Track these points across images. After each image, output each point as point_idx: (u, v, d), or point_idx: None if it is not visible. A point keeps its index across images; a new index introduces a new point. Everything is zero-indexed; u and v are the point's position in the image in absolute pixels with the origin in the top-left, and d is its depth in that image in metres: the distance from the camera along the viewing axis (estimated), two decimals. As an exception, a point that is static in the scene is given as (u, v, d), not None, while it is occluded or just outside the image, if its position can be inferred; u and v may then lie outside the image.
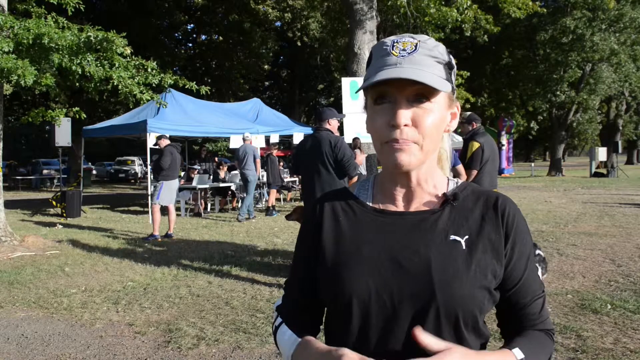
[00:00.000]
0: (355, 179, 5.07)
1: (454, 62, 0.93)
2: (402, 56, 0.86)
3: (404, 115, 0.85)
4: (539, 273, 5.01)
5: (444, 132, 0.94)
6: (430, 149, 0.89)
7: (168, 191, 8.29)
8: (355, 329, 0.89)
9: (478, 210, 0.93)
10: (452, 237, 0.90)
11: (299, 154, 5.18)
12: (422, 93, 0.86)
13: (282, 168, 15.23)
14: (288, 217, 5.46)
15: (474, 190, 0.97)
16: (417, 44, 0.88)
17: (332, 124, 5.01)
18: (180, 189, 11.00)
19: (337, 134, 5.06)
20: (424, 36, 0.91)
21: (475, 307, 0.87)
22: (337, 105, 10.53)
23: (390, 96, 0.87)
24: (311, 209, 1.04)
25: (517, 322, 0.95)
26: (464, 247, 0.89)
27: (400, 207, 0.95)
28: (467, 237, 0.90)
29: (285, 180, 14.16)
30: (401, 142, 0.86)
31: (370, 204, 0.98)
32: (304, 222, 1.05)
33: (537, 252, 4.80)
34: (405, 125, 0.85)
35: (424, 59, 0.87)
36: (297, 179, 14.09)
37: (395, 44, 0.88)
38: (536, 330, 0.94)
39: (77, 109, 8.47)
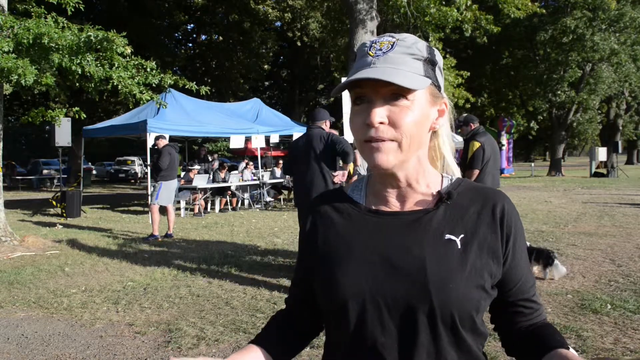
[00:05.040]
0: (350, 166, 5.12)
1: (437, 58, 0.91)
2: (377, 56, 0.86)
3: (378, 113, 0.84)
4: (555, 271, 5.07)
5: (430, 130, 0.92)
6: (411, 147, 0.87)
7: (167, 191, 8.29)
8: (351, 331, 0.89)
9: (474, 208, 0.91)
10: (447, 236, 0.89)
11: (291, 154, 5.21)
12: (397, 91, 0.85)
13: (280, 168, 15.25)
14: None
15: (468, 187, 0.95)
16: (394, 42, 0.87)
17: (327, 125, 5.13)
18: (180, 189, 11.00)
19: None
20: (405, 34, 0.90)
21: (471, 306, 0.86)
22: (337, 105, 10.52)
23: (367, 96, 0.87)
24: (305, 211, 1.04)
25: (517, 316, 0.95)
26: (459, 247, 0.88)
27: (394, 207, 0.94)
28: (462, 235, 0.89)
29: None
30: (377, 140, 0.85)
31: (364, 204, 0.97)
32: (301, 225, 1.06)
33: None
34: (381, 123, 0.85)
35: (400, 57, 0.86)
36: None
37: (373, 45, 0.88)
38: (546, 322, 0.95)
39: (77, 109, 8.45)
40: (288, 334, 1.02)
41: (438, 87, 0.90)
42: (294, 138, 13.69)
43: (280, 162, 16.48)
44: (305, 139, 5.03)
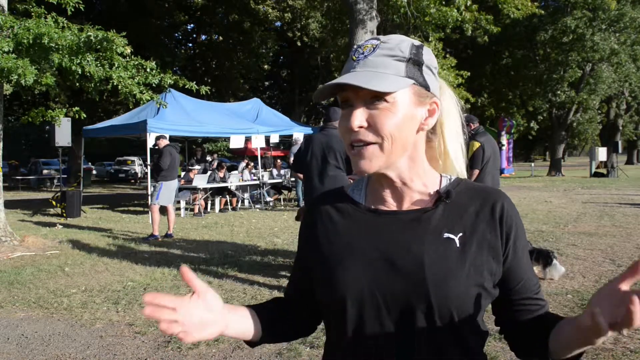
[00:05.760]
0: None
1: (425, 57, 0.90)
2: (359, 60, 0.87)
3: (357, 118, 0.85)
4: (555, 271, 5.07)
5: (419, 130, 0.91)
6: (394, 149, 0.87)
7: (167, 191, 8.30)
8: (350, 329, 0.89)
9: (473, 207, 0.91)
10: (446, 234, 0.89)
11: (304, 152, 5.09)
12: (377, 94, 0.85)
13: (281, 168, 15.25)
14: (298, 218, 5.47)
15: (468, 186, 0.95)
16: (376, 45, 0.88)
17: None
18: (180, 189, 11.00)
19: None
20: (392, 36, 0.90)
21: (470, 305, 0.86)
22: (337, 106, 10.55)
23: (350, 100, 0.87)
24: (306, 210, 1.04)
25: (521, 315, 0.94)
26: (457, 245, 0.88)
27: (392, 206, 0.94)
28: (461, 234, 0.89)
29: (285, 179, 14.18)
30: (359, 143, 0.86)
31: (364, 204, 0.97)
32: (301, 223, 1.06)
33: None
34: (361, 127, 0.85)
35: (380, 59, 0.86)
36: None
37: (358, 49, 0.89)
38: (548, 312, 0.95)
39: (77, 109, 8.46)
40: (283, 319, 1.03)
41: (425, 87, 0.89)
42: (294, 138, 13.74)
43: (279, 161, 16.47)
44: (322, 138, 4.91)
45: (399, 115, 0.86)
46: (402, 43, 0.89)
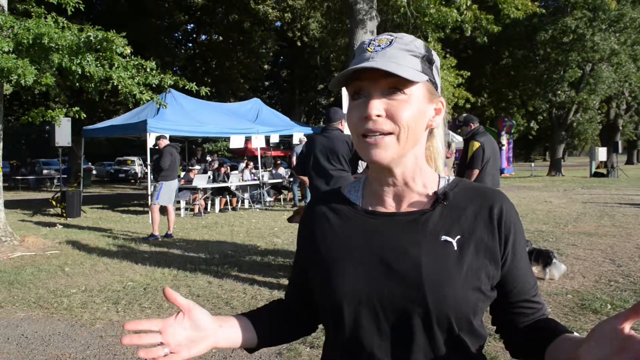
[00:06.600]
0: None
1: (434, 57, 0.92)
2: (376, 51, 0.87)
3: (376, 106, 0.85)
4: (556, 270, 5.06)
5: (427, 127, 0.92)
6: (409, 141, 0.87)
7: (167, 191, 8.30)
8: (347, 332, 0.89)
9: (471, 209, 0.90)
10: (444, 237, 0.88)
11: (306, 155, 5.08)
12: (395, 85, 0.85)
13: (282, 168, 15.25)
14: (290, 220, 5.43)
15: (466, 187, 0.94)
16: (392, 39, 0.88)
17: (344, 125, 5.04)
18: (180, 189, 11.00)
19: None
20: (402, 34, 0.91)
21: (468, 309, 0.85)
22: (337, 105, 10.54)
23: (365, 90, 0.87)
24: (305, 212, 1.04)
25: (518, 317, 0.93)
26: (455, 248, 0.87)
27: (390, 207, 0.93)
28: (458, 237, 0.88)
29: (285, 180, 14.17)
30: (374, 133, 0.85)
31: (361, 205, 0.97)
32: (300, 224, 1.06)
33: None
34: (379, 116, 0.85)
35: (398, 52, 0.87)
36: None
37: (372, 42, 0.89)
38: (547, 317, 0.94)
39: (77, 109, 8.46)
40: (279, 322, 1.03)
41: (435, 86, 0.91)
42: (294, 138, 13.73)
43: (279, 162, 16.48)
44: (325, 140, 4.89)
45: (414, 108, 0.87)
46: (416, 41, 0.90)
